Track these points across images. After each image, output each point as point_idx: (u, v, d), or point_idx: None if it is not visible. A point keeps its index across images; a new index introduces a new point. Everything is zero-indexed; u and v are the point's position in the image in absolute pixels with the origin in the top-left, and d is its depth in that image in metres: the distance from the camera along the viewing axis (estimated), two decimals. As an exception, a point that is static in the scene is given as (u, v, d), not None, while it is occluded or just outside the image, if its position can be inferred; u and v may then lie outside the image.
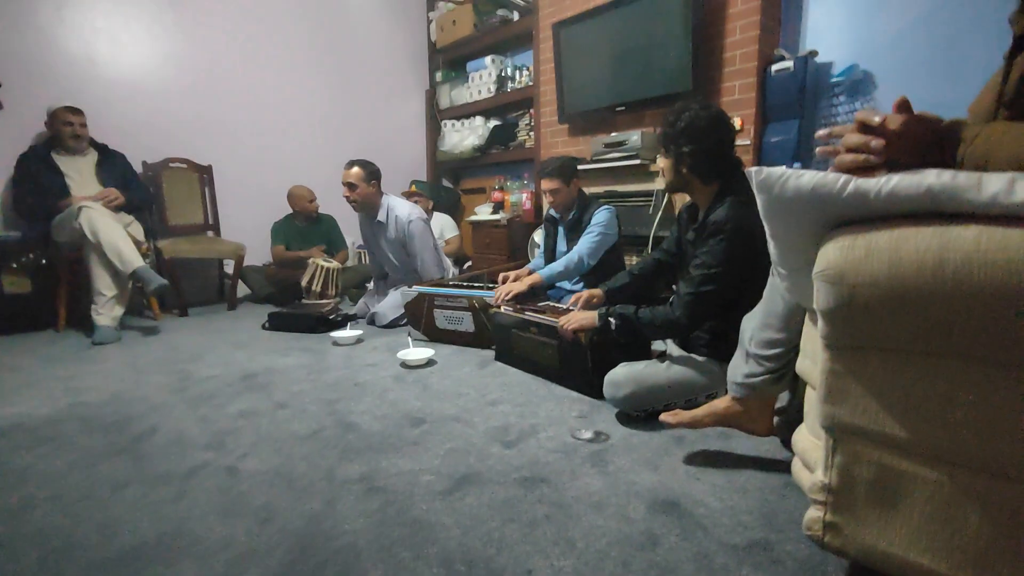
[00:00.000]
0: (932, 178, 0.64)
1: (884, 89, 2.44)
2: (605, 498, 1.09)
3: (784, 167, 0.76)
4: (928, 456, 0.71)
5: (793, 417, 1.22)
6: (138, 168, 3.19)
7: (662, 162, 1.55)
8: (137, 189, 3.00)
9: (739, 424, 1.22)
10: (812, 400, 0.96)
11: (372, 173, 2.68)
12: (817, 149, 0.79)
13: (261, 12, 3.73)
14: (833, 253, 0.71)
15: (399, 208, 2.73)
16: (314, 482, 1.18)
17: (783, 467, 1.20)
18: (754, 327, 1.16)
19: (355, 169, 2.63)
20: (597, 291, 1.88)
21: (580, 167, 2.54)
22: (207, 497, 1.13)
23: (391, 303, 2.72)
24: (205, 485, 1.18)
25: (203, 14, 3.49)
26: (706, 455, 1.28)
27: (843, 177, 0.70)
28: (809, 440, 0.96)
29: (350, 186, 2.63)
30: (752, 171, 0.78)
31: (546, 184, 2.31)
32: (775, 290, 1.09)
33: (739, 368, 1.19)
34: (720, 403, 1.23)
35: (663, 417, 1.26)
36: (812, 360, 0.94)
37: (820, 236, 0.78)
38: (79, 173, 2.81)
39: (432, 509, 1.06)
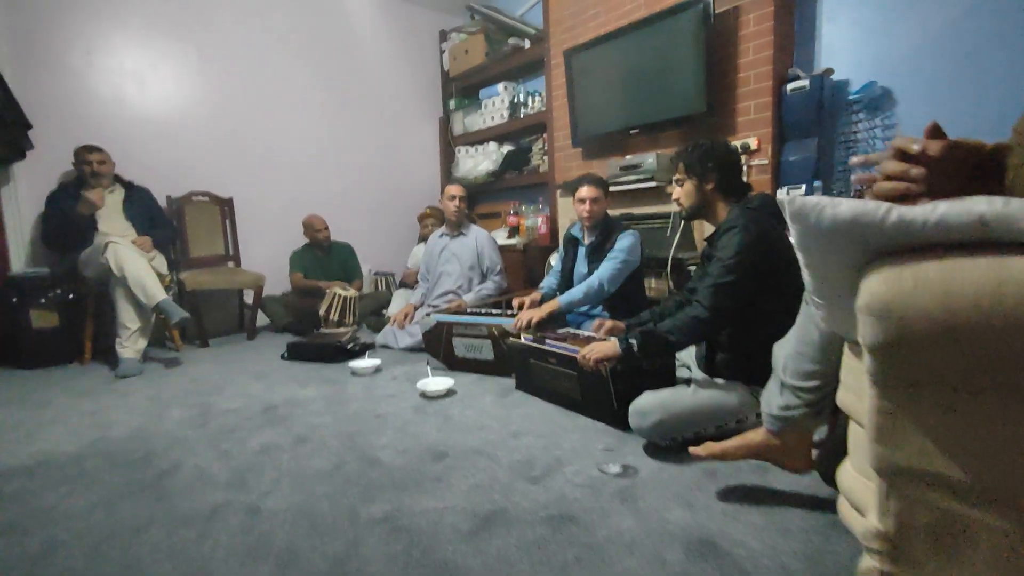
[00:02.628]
0: (983, 206, 0.61)
1: (904, 106, 2.41)
2: (638, 538, 1.04)
3: (819, 196, 0.73)
4: (992, 501, 0.66)
5: (833, 451, 1.17)
6: (162, 202, 3.27)
7: (681, 189, 1.59)
8: (163, 226, 3.07)
9: (775, 459, 1.17)
10: (858, 436, 0.91)
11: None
12: (853, 177, 0.77)
13: (280, 49, 3.86)
14: (877, 285, 0.68)
15: (474, 226, 3.05)
16: (337, 522, 1.16)
17: (826, 505, 1.14)
18: (787, 355, 1.12)
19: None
20: (620, 324, 1.87)
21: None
22: (229, 538, 1.11)
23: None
24: (227, 525, 1.16)
25: (225, 53, 3.61)
26: (741, 491, 1.22)
27: (884, 206, 0.67)
28: (856, 479, 0.91)
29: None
30: (784, 200, 0.75)
31: (587, 192, 2.28)
32: (810, 319, 1.05)
33: (774, 399, 1.14)
34: (754, 435, 1.18)
35: (693, 450, 1.21)
36: (856, 394, 0.90)
37: (859, 266, 0.75)
38: (106, 209, 2.88)
39: (458, 551, 1.03)
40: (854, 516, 0.92)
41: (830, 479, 1.21)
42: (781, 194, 0.72)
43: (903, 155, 0.69)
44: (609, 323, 1.87)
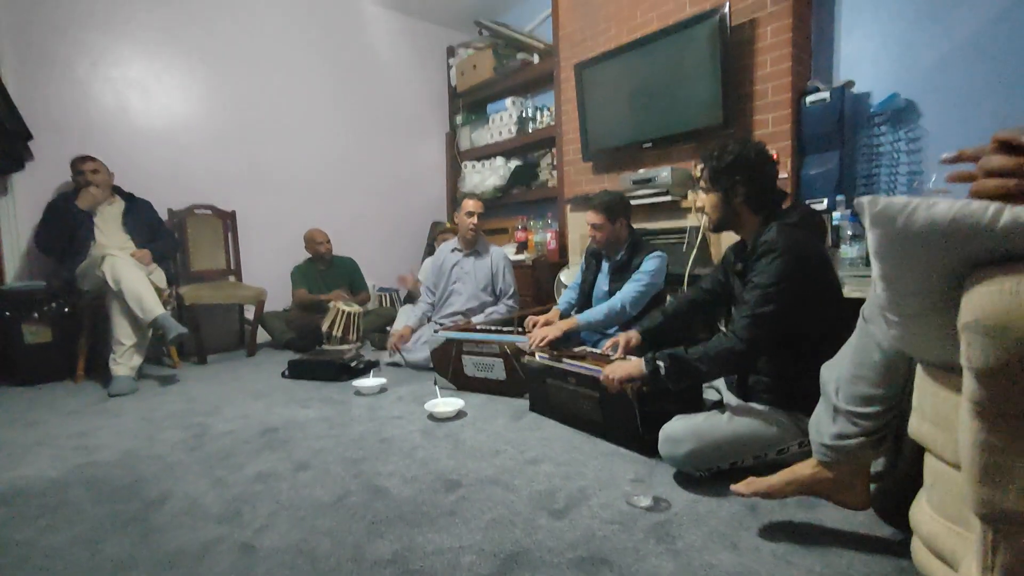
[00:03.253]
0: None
1: (929, 118, 2.33)
2: (681, 587, 0.92)
3: (907, 196, 0.64)
4: None
5: (896, 485, 1.05)
6: (163, 215, 3.20)
7: (706, 199, 1.48)
8: (164, 238, 2.99)
9: (828, 494, 1.05)
10: (939, 473, 0.80)
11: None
12: (946, 175, 0.67)
13: (285, 63, 3.83)
14: (987, 299, 0.58)
15: (492, 245, 2.94)
16: (340, 563, 1.04)
17: (888, 547, 1.02)
18: (840, 379, 1.01)
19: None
20: (634, 333, 1.76)
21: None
22: (220, 583, 0.99)
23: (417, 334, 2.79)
24: (218, 568, 1.04)
25: (232, 66, 3.58)
26: (789, 528, 1.10)
27: (994, 205, 0.57)
28: (938, 522, 0.79)
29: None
30: (865, 201, 0.66)
31: (589, 218, 2.19)
32: (869, 338, 0.95)
33: (825, 427, 1.03)
34: (803, 468, 1.06)
35: (736, 488, 1.10)
36: (937, 425, 0.79)
37: (955, 277, 0.65)
38: (105, 221, 2.81)
39: (479, 601, 0.91)
40: (936, 566, 0.80)
41: (891, 517, 1.09)
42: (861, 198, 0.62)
43: (1009, 148, 0.60)
44: (624, 337, 1.76)
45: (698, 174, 1.52)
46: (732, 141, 1.42)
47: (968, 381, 0.62)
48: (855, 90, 2.49)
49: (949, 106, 2.27)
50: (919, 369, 0.84)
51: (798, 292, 1.27)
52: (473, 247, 2.86)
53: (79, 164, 2.77)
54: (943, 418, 0.77)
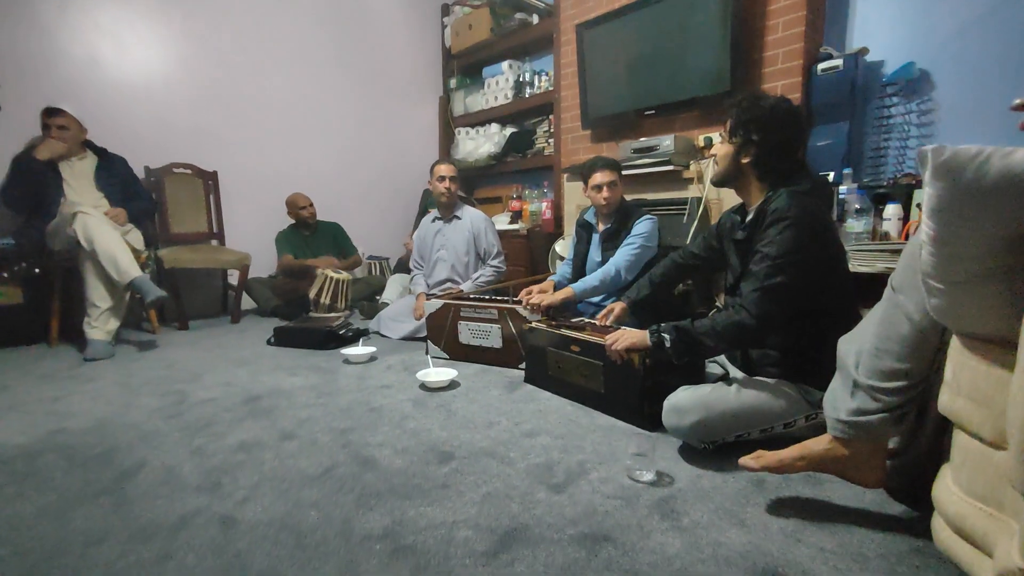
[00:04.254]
0: None
1: (943, 89, 2.25)
2: (689, 565, 0.88)
3: (978, 145, 0.56)
4: None
5: (912, 463, 1.01)
6: (139, 173, 3.03)
7: (718, 148, 1.39)
8: (140, 197, 2.83)
9: (841, 471, 1.01)
10: (969, 450, 0.75)
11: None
12: (1021, 123, 0.59)
13: (271, 15, 3.61)
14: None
15: (468, 207, 2.83)
16: (327, 538, 0.98)
17: (901, 525, 0.98)
18: (862, 352, 0.95)
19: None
20: (620, 303, 1.72)
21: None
22: (197, 559, 0.92)
23: (402, 307, 2.71)
24: (195, 542, 0.97)
25: (212, 16, 3.36)
26: (797, 505, 1.06)
27: (1085, 154, 0.50)
28: (967, 503, 0.75)
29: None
30: (928, 151, 0.58)
31: (604, 176, 2.10)
32: (897, 309, 0.89)
33: (843, 402, 0.98)
34: (817, 444, 1.02)
35: (744, 462, 1.05)
36: (971, 399, 0.73)
37: (1020, 237, 0.58)
38: (76, 178, 2.65)
39: (476, 579, 0.85)
40: (963, 547, 0.76)
41: (903, 495, 1.06)
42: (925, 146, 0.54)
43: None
44: (616, 306, 1.72)
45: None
46: (770, 96, 1.32)
47: (1031, 353, 0.56)
48: (868, 58, 2.39)
49: (964, 77, 2.19)
50: (955, 342, 0.78)
51: (810, 263, 1.20)
52: (451, 212, 2.77)
53: (46, 117, 2.59)
54: (983, 394, 0.71)
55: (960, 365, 0.76)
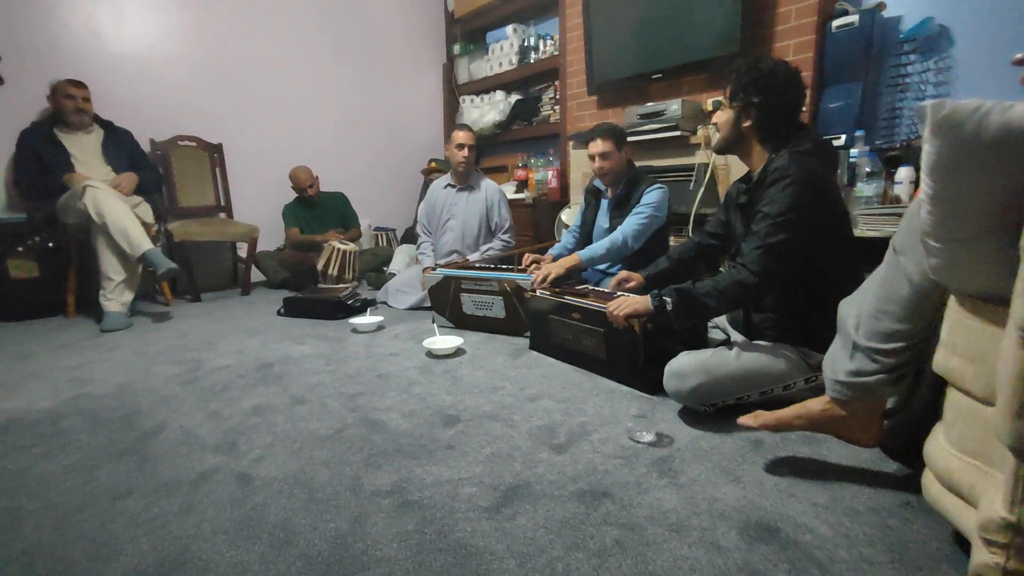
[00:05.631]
0: None
1: (962, 46, 2.16)
2: (684, 519, 0.91)
3: (978, 99, 0.55)
4: None
5: (906, 422, 1.03)
6: (145, 146, 3.03)
7: (719, 115, 1.39)
8: (147, 169, 2.85)
9: (839, 431, 1.03)
10: (962, 408, 0.76)
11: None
12: (1021, 77, 0.58)
13: (270, -20, 3.53)
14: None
15: (485, 179, 2.77)
16: (338, 493, 1.02)
17: (894, 482, 1.01)
18: (862, 315, 0.96)
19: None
20: (637, 275, 1.71)
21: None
22: (216, 511, 0.97)
23: (409, 277, 2.71)
24: (215, 496, 1.02)
25: (210, -17, 3.29)
26: (793, 464, 1.09)
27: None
28: (956, 457, 0.76)
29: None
30: (928, 106, 0.58)
31: (596, 147, 2.08)
32: (898, 271, 0.89)
33: (842, 363, 0.99)
34: (815, 404, 1.03)
35: (742, 420, 1.07)
36: (964, 357, 0.74)
37: (1018, 193, 0.58)
38: (83, 151, 2.67)
39: (478, 531, 0.89)
40: (950, 499, 0.78)
41: (898, 454, 1.08)
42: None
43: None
44: (627, 275, 1.72)
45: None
46: (768, 59, 1.32)
47: (1021, 307, 0.56)
48: (885, 14, 2.30)
49: (983, 33, 2.10)
50: (952, 302, 0.79)
51: (811, 222, 1.20)
52: (466, 181, 2.72)
53: (70, 88, 2.59)
54: (976, 351, 0.72)
55: (956, 324, 0.76)
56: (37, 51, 2.78)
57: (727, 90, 1.35)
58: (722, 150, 1.44)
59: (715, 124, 1.42)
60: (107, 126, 2.79)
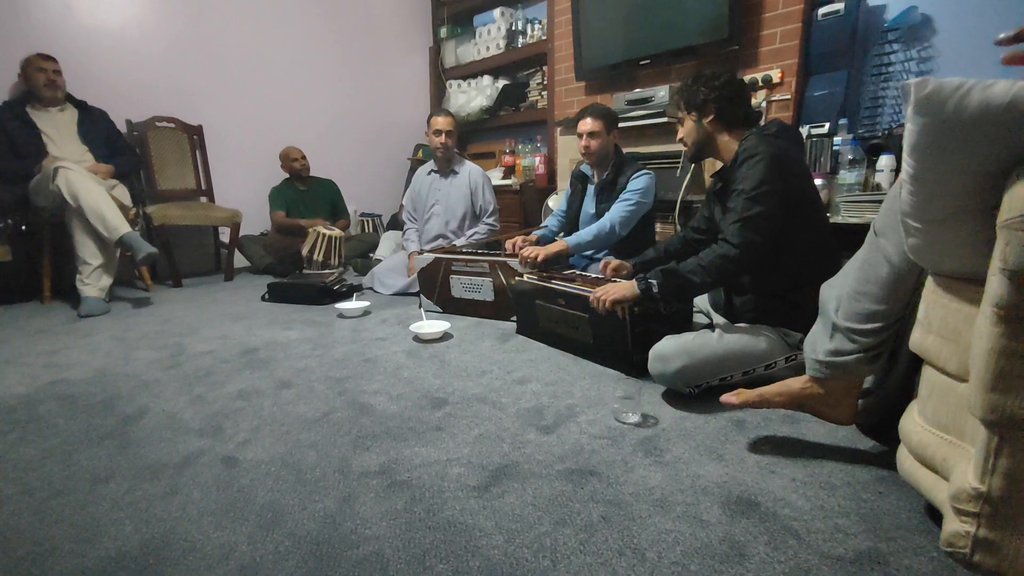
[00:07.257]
0: None
1: (945, 35, 2.20)
2: (669, 495, 0.93)
3: (961, 78, 0.56)
4: None
5: (882, 400, 1.06)
6: (121, 127, 2.95)
7: (683, 128, 1.48)
8: (124, 151, 2.77)
9: (816, 409, 1.05)
10: (936, 384, 0.79)
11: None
12: (1002, 56, 0.59)
13: (251, -44, 3.42)
14: (1036, 192, 0.52)
15: (467, 162, 2.76)
16: (326, 475, 1.02)
17: (869, 458, 1.04)
18: (842, 296, 0.98)
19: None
20: (626, 263, 1.73)
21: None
22: (202, 493, 0.97)
23: (395, 263, 2.70)
24: (200, 478, 1.02)
25: (187, -43, 3.18)
26: (774, 442, 1.12)
27: (1061, 84, 0.51)
28: (930, 432, 0.79)
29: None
30: (911, 84, 0.58)
31: (585, 125, 2.07)
32: (877, 252, 0.91)
33: (821, 343, 1.01)
34: (795, 382, 1.06)
35: (725, 398, 1.09)
36: (940, 336, 0.76)
37: (998, 175, 0.59)
38: (57, 130, 2.58)
39: (467, 509, 0.90)
40: (923, 473, 0.81)
41: (874, 431, 1.11)
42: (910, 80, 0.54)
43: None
44: (615, 262, 1.73)
45: (676, 109, 1.49)
46: (707, 68, 1.45)
47: (996, 284, 0.58)
48: (870, 2, 2.32)
49: (966, 23, 2.13)
50: (929, 282, 0.81)
51: (783, 194, 1.26)
52: (448, 167, 2.71)
53: (40, 61, 2.49)
54: (952, 330, 0.74)
55: (932, 304, 0.78)
56: (2, 26, 2.67)
57: (680, 105, 1.44)
58: (695, 157, 1.51)
59: (681, 139, 1.49)
60: (81, 106, 2.70)
